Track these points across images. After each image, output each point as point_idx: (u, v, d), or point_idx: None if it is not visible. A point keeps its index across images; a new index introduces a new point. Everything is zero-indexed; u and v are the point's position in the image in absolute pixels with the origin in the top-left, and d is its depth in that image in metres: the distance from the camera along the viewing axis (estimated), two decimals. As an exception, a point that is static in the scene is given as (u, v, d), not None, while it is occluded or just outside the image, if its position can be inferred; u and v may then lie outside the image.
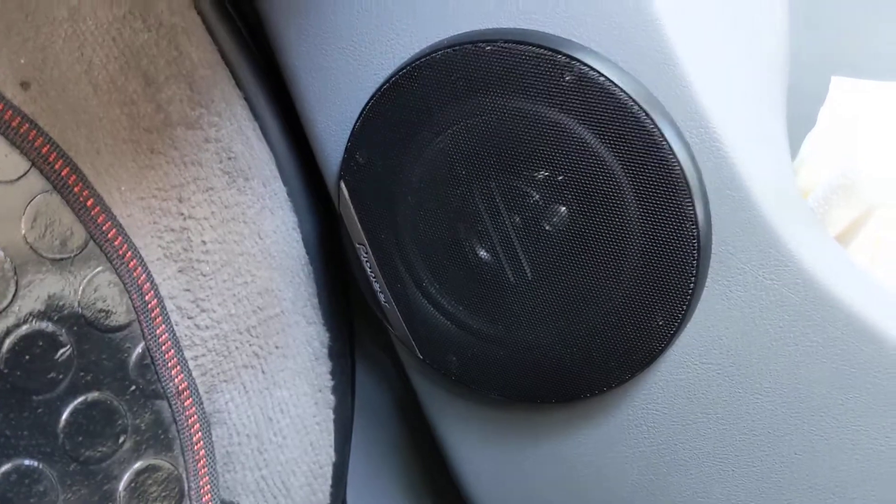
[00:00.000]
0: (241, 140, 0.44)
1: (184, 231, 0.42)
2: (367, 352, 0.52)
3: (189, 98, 0.43)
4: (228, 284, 0.44)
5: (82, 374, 0.38)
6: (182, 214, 0.42)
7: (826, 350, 0.37)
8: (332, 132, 0.43)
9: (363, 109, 0.41)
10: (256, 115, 0.45)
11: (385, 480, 0.53)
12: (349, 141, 0.41)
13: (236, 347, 0.45)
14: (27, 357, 0.36)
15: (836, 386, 0.37)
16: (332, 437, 0.49)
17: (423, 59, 0.39)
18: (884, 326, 0.36)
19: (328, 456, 0.49)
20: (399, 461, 0.53)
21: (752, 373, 0.39)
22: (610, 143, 0.36)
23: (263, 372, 0.46)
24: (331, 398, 0.49)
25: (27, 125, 0.37)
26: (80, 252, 0.38)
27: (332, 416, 0.49)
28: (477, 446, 0.45)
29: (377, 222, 0.42)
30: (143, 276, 0.40)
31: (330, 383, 0.48)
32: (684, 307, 0.37)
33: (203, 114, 0.43)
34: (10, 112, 0.36)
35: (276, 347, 0.46)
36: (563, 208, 0.38)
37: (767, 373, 0.38)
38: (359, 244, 0.42)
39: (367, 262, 0.42)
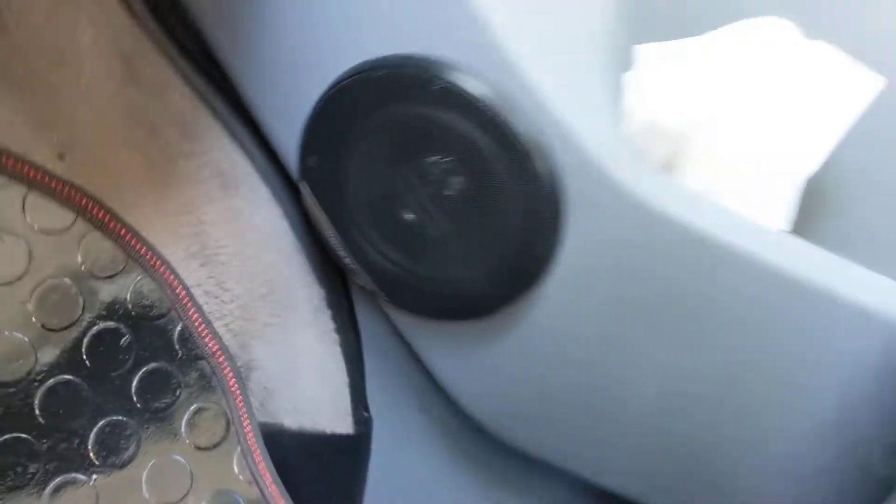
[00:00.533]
0: (227, 160, 0.58)
1: (199, 235, 0.57)
2: (363, 297, 0.66)
3: (182, 136, 0.57)
4: (241, 268, 0.59)
5: (142, 352, 0.54)
6: (195, 223, 0.57)
7: (653, 252, 0.48)
8: (288, 144, 0.56)
9: (305, 125, 0.54)
10: (235, 138, 0.58)
11: (397, 389, 0.68)
12: (300, 150, 0.55)
13: (256, 311, 0.60)
14: (101, 348, 0.52)
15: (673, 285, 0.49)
16: (343, 365, 0.64)
17: (342, 83, 0.52)
18: (703, 224, 0.47)
19: (343, 380, 0.64)
20: (405, 372, 0.68)
21: (614, 283, 0.51)
22: (474, 129, 0.48)
23: (281, 326, 0.62)
24: (336, 336, 0.64)
25: (68, 188, 0.52)
26: (123, 268, 0.54)
27: (339, 350, 0.64)
28: (442, 356, 0.59)
29: (334, 208, 0.55)
30: (171, 276, 0.55)
31: (332, 326, 0.63)
32: (554, 237, 0.50)
33: (195, 146, 0.57)
34: (55, 181, 0.52)
35: (287, 307, 0.61)
36: (456, 178, 0.50)
37: (626, 282, 0.50)
38: (325, 228, 0.56)
39: (332, 238, 0.56)
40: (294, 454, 0.63)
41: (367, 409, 0.67)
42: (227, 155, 0.58)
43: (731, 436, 0.49)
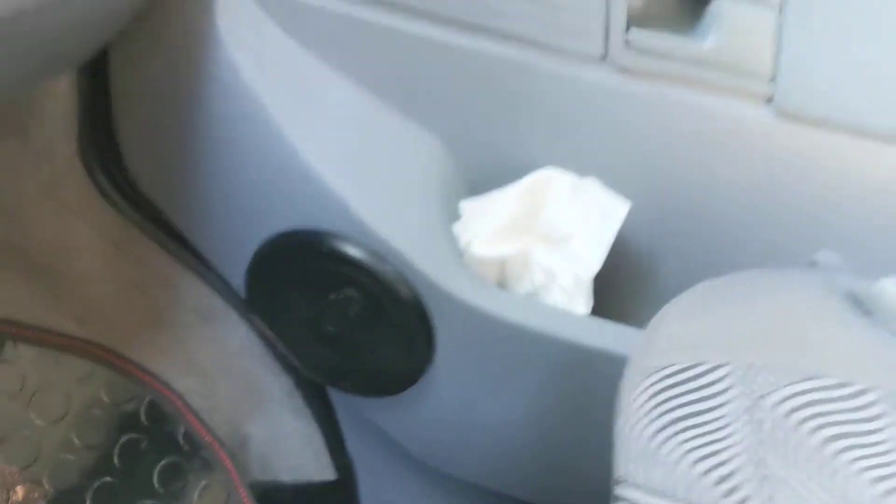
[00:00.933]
0: (203, 300, 0.78)
1: (188, 357, 0.78)
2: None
3: (166, 288, 0.77)
4: (224, 373, 0.80)
5: (158, 451, 0.75)
6: (184, 350, 0.78)
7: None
8: (239, 287, 0.76)
9: (245, 276, 0.73)
10: (206, 281, 0.78)
11: (373, 438, 0.86)
12: (246, 293, 0.74)
13: (241, 402, 0.81)
14: (127, 454, 0.74)
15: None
16: (317, 428, 0.84)
17: (262, 250, 0.70)
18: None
19: (320, 439, 0.83)
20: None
21: (477, 363, 0.68)
22: (357, 275, 0.66)
23: (264, 409, 0.82)
24: (308, 410, 0.83)
25: (91, 346, 0.73)
26: (136, 395, 0.75)
27: (313, 418, 0.83)
28: (378, 414, 0.78)
29: (278, 331, 0.75)
30: (170, 392, 0.76)
31: (303, 402, 0.83)
32: (430, 339, 0.67)
33: (177, 294, 0.78)
34: (79, 342, 0.73)
35: (264, 395, 0.82)
36: (354, 305, 0.69)
37: (484, 361, 0.67)
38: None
39: (278, 341, 0.76)
40: (291, 501, 0.83)
41: (346, 456, 0.87)
42: (201, 296, 0.78)
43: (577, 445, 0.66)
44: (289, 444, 0.83)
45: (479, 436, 0.72)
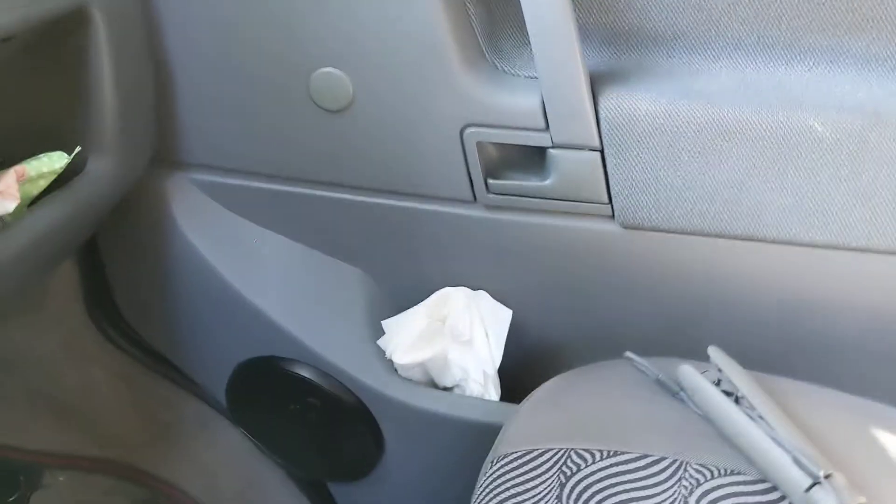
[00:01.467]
0: (200, 410, 0.95)
1: (193, 461, 0.94)
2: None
3: (167, 408, 0.94)
4: (229, 473, 0.96)
5: None
6: (189, 455, 0.94)
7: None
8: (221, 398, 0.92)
9: (225, 395, 0.89)
10: (199, 397, 0.95)
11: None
12: (228, 408, 0.90)
13: (247, 498, 0.97)
14: None
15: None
16: None
17: (234, 374, 0.87)
18: None
19: None
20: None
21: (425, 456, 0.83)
22: (313, 389, 0.82)
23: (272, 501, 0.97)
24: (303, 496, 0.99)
25: (111, 464, 0.90)
26: (151, 496, 0.91)
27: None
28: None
29: (256, 434, 0.91)
30: (181, 494, 0.93)
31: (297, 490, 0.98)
32: (379, 441, 0.83)
33: (176, 413, 0.94)
34: (103, 463, 0.90)
35: (267, 492, 0.97)
36: (313, 410, 0.84)
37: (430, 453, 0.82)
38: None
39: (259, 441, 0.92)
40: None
41: None
42: (198, 410, 0.95)
43: None
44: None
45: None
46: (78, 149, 0.63)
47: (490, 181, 0.73)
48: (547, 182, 0.71)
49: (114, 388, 0.91)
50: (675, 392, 0.62)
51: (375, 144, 0.73)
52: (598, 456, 0.57)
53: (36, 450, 0.90)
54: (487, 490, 0.57)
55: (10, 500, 0.89)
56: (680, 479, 0.55)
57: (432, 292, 0.79)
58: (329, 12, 0.67)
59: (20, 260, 0.60)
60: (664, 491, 0.55)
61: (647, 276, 0.74)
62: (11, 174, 0.58)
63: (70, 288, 0.88)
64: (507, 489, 0.57)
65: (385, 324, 0.80)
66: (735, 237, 0.70)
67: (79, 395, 0.90)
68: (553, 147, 0.69)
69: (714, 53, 0.67)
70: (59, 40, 0.63)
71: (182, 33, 0.72)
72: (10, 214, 0.58)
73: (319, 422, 0.83)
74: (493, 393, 0.79)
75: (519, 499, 0.56)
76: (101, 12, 0.63)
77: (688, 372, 0.62)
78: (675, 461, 0.56)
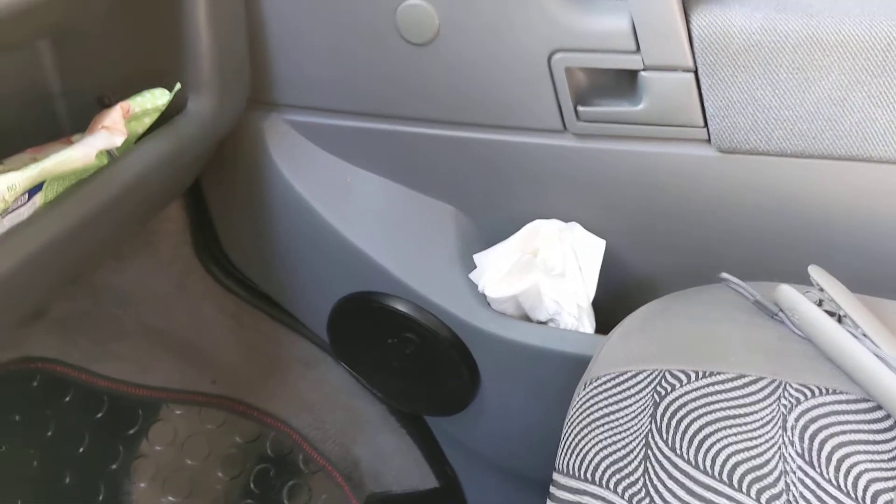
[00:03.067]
0: (304, 348, 0.98)
1: (299, 397, 0.98)
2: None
3: (278, 346, 0.98)
4: (331, 408, 0.99)
5: (283, 476, 0.96)
6: (295, 392, 0.98)
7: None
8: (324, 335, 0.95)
9: (327, 329, 0.92)
10: (303, 335, 0.98)
11: (470, 454, 1.02)
12: (329, 341, 0.93)
13: (347, 430, 1.00)
14: (260, 481, 0.95)
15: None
16: (416, 446, 1.01)
17: (336, 307, 0.89)
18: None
19: (418, 455, 1.01)
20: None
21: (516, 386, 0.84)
22: (406, 322, 0.84)
23: (368, 434, 1.01)
24: (404, 431, 1.01)
25: (223, 399, 0.95)
26: (261, 434, 0.96)
27: (411, 439, 1.01)
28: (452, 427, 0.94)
29: (358, 369, 0.93)
30: (289, 429, 0.96)
31: (398, 425, 1.01)
32: (475, 375, 0.84)
33: (284, 351, 0.98)
34: (214, 398, 0.95)
35: (365, 422, 1.00)
36: (409, 345, 0.86)
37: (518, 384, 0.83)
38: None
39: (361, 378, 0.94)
40: (404, 510, 1.01)
41: (446, 465, 1.04)
42: (303, 348, 0.98)
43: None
44: (394, 460, 1.01)
45: (529, 438, 0.88)
46: (178, 86, 0.65)
47: (580, 108, 0.72)
48: (639, 107, 0.70)
49: (223, 326, 0.96)
50: (773, 313, 0.61)
51: (463, 76, 0.73)
52: (693, 376, 0.56)
53: (154, 386, 0.95)
54: (580, 412, 0.57)
55: (130, 432, 0.95)
56: (779, 399, 0.54)
57: (524, 225, 0.79)
58: None
59: (130, 192, 0.63)
60: (761, 409, 0.53)
61: (745, 201, 0.72)
62: (118, 111, 0.61)
63: (178, 231, 0.92)
64: (600, 409, 0.57)
65: (477, 257, 0.81)
66: (838, 157, 0.67)
67: (191, 332, 0.95)
68: (644, 69, 0.68)
69: (812, -37, 0.64)
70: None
71: (273, -28, 0.73)
72: (117, 149, 0.61)
73: (416, 356, 0.85)
74: (588, 325, 0.78)
75: (612, 418, 0.56)
76: (195, -47, 0.65)
77: (788, 292, 0.60)
78: (773, 381, 0.55)
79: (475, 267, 0.82)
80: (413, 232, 0.83)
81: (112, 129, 0.59)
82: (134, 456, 0.93)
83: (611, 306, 0.79)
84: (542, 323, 0.80)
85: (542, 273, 0.79)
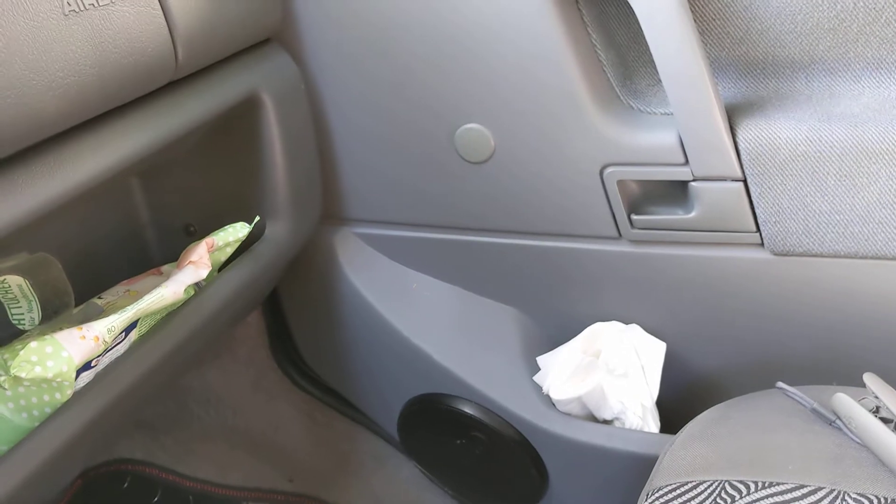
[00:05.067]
0: (376, 445, 1.01)
1: (372, 491, 1.01)
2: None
3: (347, 440, 1.01)
4: None
5: None
6: (369, 487, 1.01)
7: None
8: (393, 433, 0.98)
9: (397, 429, 0.95)
10: (374, 432, 1.01)
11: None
12: (401, 441, 0.96)
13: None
14: None
15: None
16: None
17: (405, 409, 0.93)
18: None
19: None
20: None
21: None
22: (476, 425, 0.87)
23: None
24: None
25: (301, 497, 0.98)
26: None
27: None
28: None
29: (427, 466, 0.96)
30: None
31: None
32: (543, 475, 0.86)
33: (355, 445, 1.01)
34: (293, 497, 0.98)
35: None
36: (477, 446, 0.89)
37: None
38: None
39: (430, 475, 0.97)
40: None
41: None
42: (375, 444, 1.02)
43: None
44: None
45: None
46: (257, 219, 0.71)
47: (633, 217, 0.75)
48: (691, 214, 0.73)
49: (300, 424, 1.00)
50: (830, 421, 0.62)
51: (519, 191, 0.77)
52: (752, 487, 0.58)
53: (235, 485, 1.00)
54: None
55: (216, 529, 0.99)
56: (840, 510, 0.55)
57: (584, 327, 0.82)
58: (467, 70, 0.72)
59: (214, 317, 0.68)
60: (821, 523, 0.55)
61: (800, 302, 0.73)
62: (203, 246, 0.67)
63: (256, 335, 0.98)
64: (662, 521, 0.58)
65: (540, 360, 0.84)
66: (892, 258, 0.68)
67: (269, 430, 0.99)
68: (694, 180, 0.71)
69: (854, 74, 0.67)
70: (236, 122, 0.71)
71: (340, 102, 0.79)
72: (203, 280, 0.67)
73: (485, 455, 0.88)
74: (653, 425, 0.80)
75: (674, 531, 0.57)
76: (270, 94, 0.71)
77: (844, 400, 0.61)
78: (832, 491, 0.56)
79: (538, 368, 0.84)
80: (477, 334, 0.87)
81: (198, 264, 0.65)
82: (218, 553, 0.97)
83: (673, 406, 0.81)
84: (607, 422, 0.82)
85: (605, 373, 0.81)
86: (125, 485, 0.95)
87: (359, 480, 1.00)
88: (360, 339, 0.92)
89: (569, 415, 0.82)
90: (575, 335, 0.82)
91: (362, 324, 0.90)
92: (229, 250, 0.70)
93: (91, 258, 0.70)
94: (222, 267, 0.71)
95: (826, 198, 0.68)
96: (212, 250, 0.67)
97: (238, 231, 0.69)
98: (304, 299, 0.94)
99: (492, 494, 0.92)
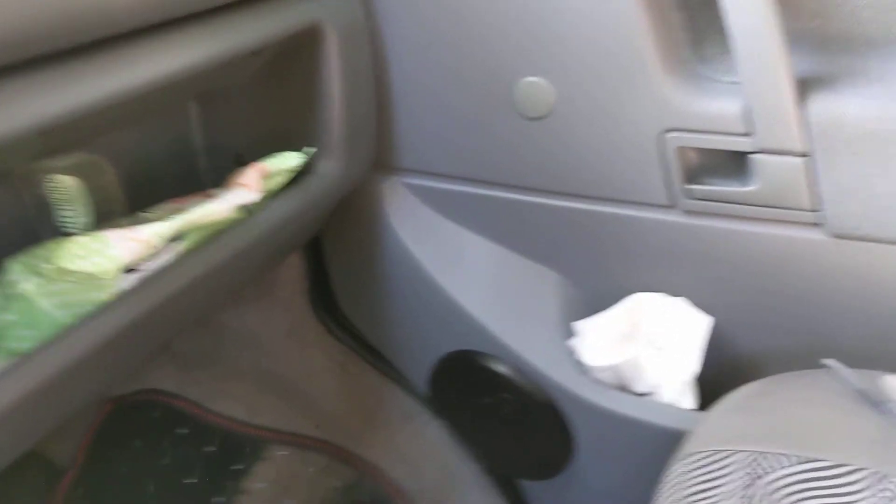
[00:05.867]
0: (404, 400, 1.01)
1: (391, 444, 1.01)
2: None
3: (376, 394, 1.01)
4: (430, 467, 1.01)
5: None
6: (394, 442, 1.01)
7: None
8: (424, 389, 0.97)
9: (428, 384, 0.95)
10: (403, 387, 1.01)
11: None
12: (431, 397, 0.96)
13: (447, 486, 1.02)
14: None
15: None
16: None
17: (438, 365, 0.92)
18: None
19: None
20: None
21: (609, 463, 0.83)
22: (505, 384, 0.86)
23: (468, 493, 1.02)
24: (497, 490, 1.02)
25: (326, 444, 0.98)
26: (359, 478, 0.99)
27: None
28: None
29: (455, 423, 0.95)
30: (383, 476, 0.99)
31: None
32: (569, 442, 0.85)
33: (383, 399, 1.01)
34: (318, 443, 0.98)
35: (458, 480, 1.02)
36: (507, 405, 0.88)
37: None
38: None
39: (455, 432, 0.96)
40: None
41: None
42: (403, 399, 1.01)
43: None
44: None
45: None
46: (314, 150, 0.71)
47: (689, 186, 0.73)
48: (750, 188, 0.71)
49: (331, 374, 1.00)
50: (878, 403, 0.60)
51: (576, 150, 0.76)
52: (791, 460, 0.56)
53: (262, 426, 1.00)
54: (671, 487, 0.58)
55: (237, 468, 1.00)
56: (881, 492, 0.53)
57: (628, 296, 0.81)
58: (534, 21, 0.71)
59: (260, 244, 0.69)
60: (861, 500, 0.53)
61: (855, 287, 0.71)
62: (255, 170, 0.67)
63: (296, 280, 0.98)
64: (692, 486, 0.57)
65: (576, 325, 0.83)
66: None
67: (301, 377, 0.99)
68: (756, 152, 0.69)
69: (932, 54, 0.64)
70: (297, 54, 0.71)
71: (400, 48, 0.79)
72: (254, 205, 0.67)
73: (512, 417, 0.87)
74: (690, 401, 0.79)
75: (702, 496, 0.56)
76: (333, 29, 0.70)
77: (893, 382, 0.59)
78: (875, 473, 0.54)
79: (574, 335, 0.83)
80: (517, 295, 0.86)
81: (249, 187, 0.65)
82: (239, 491, 0.98)
83: (714, 383, 0.79)
84: (641, 395, 0.81)
85: (643, 345, 0.80)
86: (155, 414, 0.96)
87: (387, 435, 1.00)
88: (399, 291, 0.91)
89: (601, 382, 0.81)
90: (617, 304, 0.81)
91: (402, 275, 0.89)
92: (280, 180, 0.70)
93: (143, 174, 0.71)
94: (273, 197, 0.72)
95: (891, 180, 0.66)
96: (264, 176, 0.67)
97: (290, 160, 0.69)
98: (346, 247, 0.94)
99: (517, 458, 0.91)
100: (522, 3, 0.71)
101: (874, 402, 0.60)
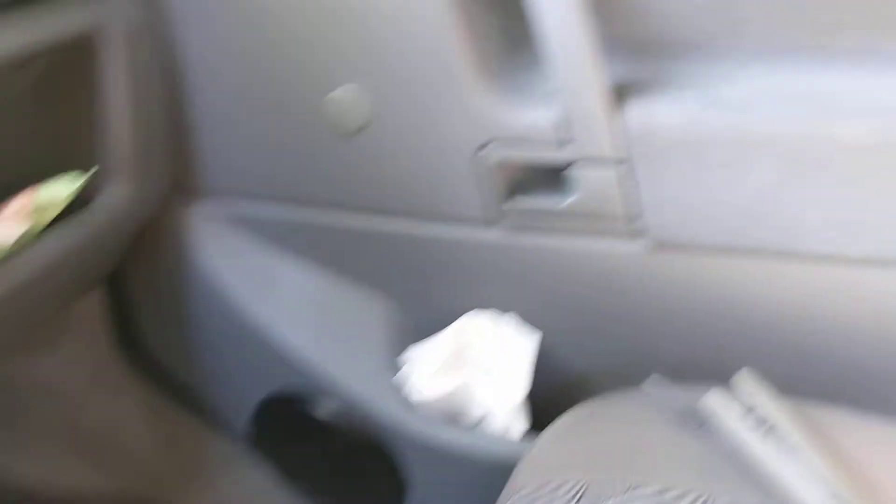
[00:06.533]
0: (224, 445, 0.93)
1: (218, 493, 0.92)
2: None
3: (193, 438, 0.93)
4: None
5: None
6: (215, 488, 0.92)
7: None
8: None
9: (248, 433, 0.87)
10: (223, 432, 0.93)
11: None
12: (252, 441, 0.88)
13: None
14: None
15: None
16: None
17: (261, 404, 0.85)
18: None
19: None
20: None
21: None
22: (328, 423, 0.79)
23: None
24: None
25: (139, 501, 0.89)
26: None
27: None
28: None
29: (281, 467, 0.88)
30: None
31: None
32: (401, 486, 0.78)
33: (202, 444, 0.93)
34: (132, 499, 0.89)
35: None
36: (336, 448, 0.82)
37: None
38: None
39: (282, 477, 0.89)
40: None
41: None
42: (223, 444, 0.93)
43: None
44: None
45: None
46: (96, 167, 0.62)
47: (509, 201, 0.70)
48: (570, 200, 0.69)
49: (143, 420, 0.91)
50: (700, 422, 0.58)
51: (391, 165, 0.71)
52: (617, 488, 0.53)
53: (65, 487, 0.90)
54: None
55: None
56: (708, 514, 0.51)
57: (459, 317, 0.77)
58: (345, 29, 0.66)
59: (33, 286, 0.60)
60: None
61: (677, 297, 0.70)
62: (21, 201, 0.58)
63: (96, 320, 0.88)
64: (520, 522, 0.53)
65: (406, 356, 0.78)
66: (768, 254, 0.65)
67: (107, 427, 0.90)
68: (574, 162, 0.67)
69: (742, 59, 0.64)
70: (73, 66, 0.63)
71: (197, 56, 0.71)
72: (15, 243, 0.58)
73: (341, 461, 0.81)
74: (521, 424, 0.75)
75: (530, 534, 0.52)
76: (111, 37, 0.63)
77: (713, 401, 0.58)
78: (699, 496, 0.52)
79: (405, 364, 0.78)
80: (343, 325, 0.80)
81: (14, 219, 0.56)
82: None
83: (548, 402, 0.76)
84: (476, 422, 0.77)
85: (472, 369, 0.76)
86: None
87: (205, 483, 0.92)
88: (209, 327, 0.84)
89: (431, 417, 0.76)
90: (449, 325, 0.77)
91: (211, 309, 0.82)
92: (53, 213, 0.62)
93: None
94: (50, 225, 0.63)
95: (706, 187, 0.65)
96: (32, 206, 0.59)
97: (64, 186, 0.61)
98: (151, 279, 0.86)
99: (348, 501, 0.85)
100: (333, 7, 0.66)
101: (696, 421, 0.58)
